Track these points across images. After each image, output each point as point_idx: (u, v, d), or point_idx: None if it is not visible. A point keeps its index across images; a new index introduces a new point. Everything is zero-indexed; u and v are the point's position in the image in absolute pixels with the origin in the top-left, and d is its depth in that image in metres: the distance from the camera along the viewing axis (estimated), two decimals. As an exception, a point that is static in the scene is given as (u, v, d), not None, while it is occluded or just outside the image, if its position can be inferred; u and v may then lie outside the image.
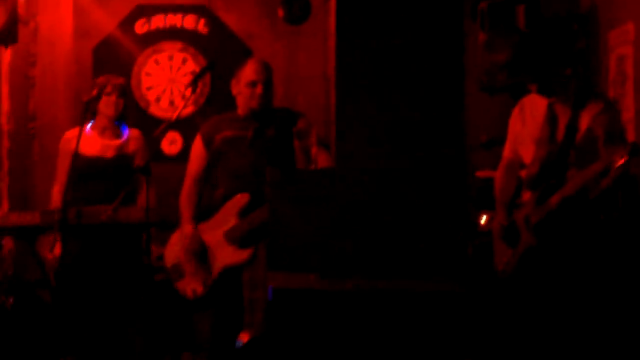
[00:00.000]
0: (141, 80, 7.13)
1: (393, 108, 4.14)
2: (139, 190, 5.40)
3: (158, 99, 7.14)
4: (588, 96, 4.44)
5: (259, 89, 5.12)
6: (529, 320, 4.47)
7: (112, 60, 7.01)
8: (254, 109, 5.14)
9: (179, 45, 7.14)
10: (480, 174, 5.78)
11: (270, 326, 3.70)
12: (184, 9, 7.17)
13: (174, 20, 7.17)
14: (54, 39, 7.00)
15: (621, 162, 3.98)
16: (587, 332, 4.39)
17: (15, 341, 5.61)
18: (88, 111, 5.43)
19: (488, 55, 6.05)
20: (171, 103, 7.11)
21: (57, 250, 5.26)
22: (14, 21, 6.06)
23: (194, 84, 5.23)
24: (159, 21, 7.17)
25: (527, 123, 4.62)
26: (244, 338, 4.70)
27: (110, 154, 5.46)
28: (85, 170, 5.34)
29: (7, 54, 6.49)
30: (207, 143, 5.24)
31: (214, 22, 7.15)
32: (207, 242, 5.16)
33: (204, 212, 5.25)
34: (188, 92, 5.14)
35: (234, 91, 5.23)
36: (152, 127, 6.04)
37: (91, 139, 5.42)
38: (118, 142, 5.50)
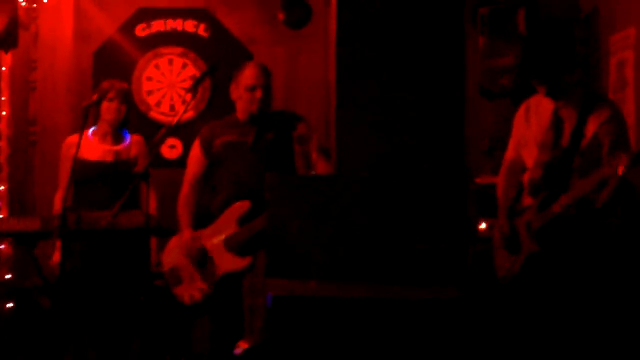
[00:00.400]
0: (141, 84, 7.13)
1: (393, 113, 4.12)
2: (139, 196, 5.39)
3: (158, 104, 7.13)
4: (595, 102, 4.42)
5: (258, 94, 5.11)
6: (530, 326, 4.46)
7: (112, 64, 7.00)
8: (253, 113, 5.13)
9: (179, 49, 7.13)
10: (481, 180, 5.77)
11: (270, 333, 3.68)
12: (184, 13, 7.17)
13: (175, 24, 7.17)
14: (55, 43, 6.99)
15: (622, 170, 3.96)
16: (588, 338, 4.38)
17: (14, 347, 5.61)
18: (88, 116, 5.42)
19: (488, 60, 6.05)
20: (171, 107, 7.11)
21: (57, 256, 5.26)
22: (14, 26, 6.06)
23: (194, 89, 5.22)
24: (160, 25, 7.16)
25: (531, 125, 4.61)
26: (243, 345, 4.69)
27: (110, 158, 5.46)
28: (86, 176, 5.34)
29: (8, 58, 6.49)
30: (206, 147, 5.23)
31: (215, 26, 7.14)
32: (206, 248, 5.15)
33: (203, 217, 5.24)
34: (188, 97, 5.13)
35: (233, 96, 5.22)
36: (152, 131, 6.04)
37: (92, 144, 5.42)
38: (119, 147, 5.50)
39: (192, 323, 5.36)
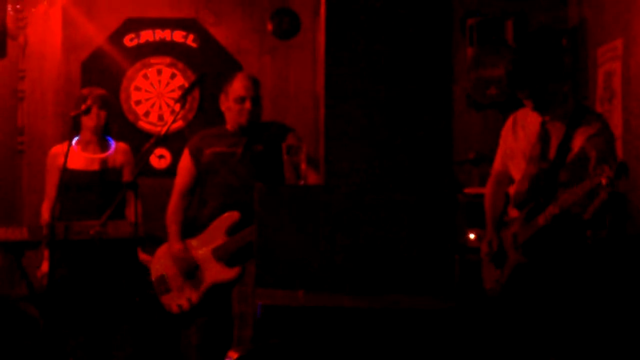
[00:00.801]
0: (130, 94, 7.12)
1: (382, 123, 4.13)
2: (127, 205, 5.39)
3: (147, 114, 7.12)
4: (583, 115, 4.42)
5: (247, 105, 5.11)
6: (518, 338, 4.46)
7: (101, 74, 6.99)
8: (242, 124, 5.13)
9: (168, 59, 7.13)
10: (469, 190, 5.78)
11: (259, 343, 3.68)
12: (173, 24, 7.17)
13: (163, 34, 7.17)
14: (43, 53, 6.98)
15: (605, 181, 3.97)
16: (576, 349, 4.39)
17: (1, 357, 5.59)
18: (77, 126, 5.43)
19: (477, 71, 6.07)
20: (160, 117, 7.10)
21: (45, 266, 5.25)
22: (2, 35, 6.05)
23: (183, 99, 5.22)
24: (149, 35, 7.16)
25: (519, 138, 4.61)
26: (232, 355, 4.67)
27: (94, 167, 5.45)
28: (71, 184, 5.33)
29: (-4, 68, 6.49)
30: (195, 157, 5.23)
31: (204, 36, 7.15)
32: (195, 257, 5.15)
33: (192, 227, 5.23)
34: (177, 107, 5.12)
35: (223, 106, 5.22)
36: (141, 141, 6.03)
37: (75, 153, 5.40)
38: (103, 155, 5.49)
39: (180, 333, 5.35)
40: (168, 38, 7.16)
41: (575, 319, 4.38)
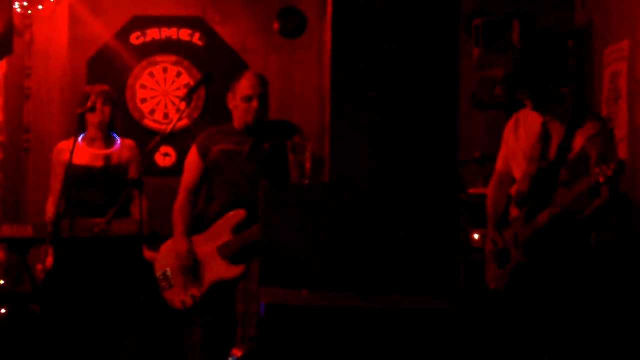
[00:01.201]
0: (136, 92, 7.13)
1: (387, 123, 4.13)
2: (132, 203, 5.39)
3: (152, 112, 7.13)
4: (584, 115, 4.43)
5: (254, 104, 5.11)
6: (519, 338, 4.47)
7: (107, 72, 7.00)
8: (249, 123, 5.13)
9: (174, 58, 7.14)
10: (473, 190, 5.78)
11: (263, 342, 3.69)
12: (179, 22, 7.17)
13: (170, 32, 7.17)
14: (49, 51, 6.99)
15: (604, 179, 3.98)
16: (578, 349, 4.39)
17: (6, 354, 5.59)
18: (82, 123, 5.45)
19: (482, 71, 6.07)
20: (166, 116, 7.11)
21: (49, 262, 5.26)
22: (9, 33, 6.05)
23: (188, 97, 5.22)
24: (155, 33, 7.17)
25: (520, 138, 4.62)
26: (236, 353, 4.68)
27: (99, 163, 5.46)
28: (76, 181, 5.34)
29: (2, 65, 6.49)
30: (203, 154, 5.23)
31: (210, 35, 7.15)
32: (199, 255, 5.16)
33: (198, 224, 5.24)
34: (183, 105, 5.12)
35: (230, 105, 5.22)
36: (146, 139, 6.03)
37: (81, 150, 5.41)
38: (108, 151, 5.50)
39: (183, 331, 5.35)
40: (174, 36, 7.17)
41: (576, 320, 4.38)
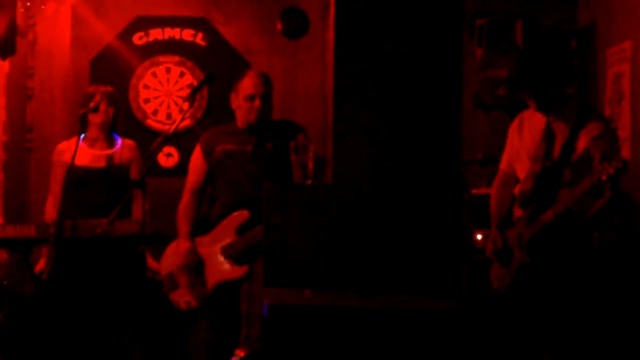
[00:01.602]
0: (139, 92, 7.14)
1: (390, 123, 4.13)
2: (135, 203, 5.39)
3: (155, 112, 7.14)
4: (588, 116, 4.43)
5: (257, 103, 5.10)
6: (522, 338, 4.46)
7: (110, 72, 7.01)
8: (251, 122, 5.13)
9: (176, 58, 7.15)
10: (476, 191, 5.78)
11: (267, 342, 3.69)
12: (182, 22, 7.18)
13: (173, 32, 7.18)
14: (52, 51, 7.00)
15: (606, 177, 3.98)
16: (581, 349, 4.39)
17: (8, 354, 5.59)
18: (85, 123, 5.46)
19: (486, 72, 6.07)
20: (168, 116, 7.12)
21: (42, 264, 5.26)
22: (12, 33, 6.05)
23: (191, 97, 5.21)
24: (158, 34, 7.17)
25: (524, 138, 4.62)
26: (240, 354, 4.68)
27: (101, 164, 5.47)
28: (77, 182, 5.34)
29: (5, 65, 6.49)
30: (207, 154, 5.23)
31: (213, 35, 7.16)
32: (203, 255, 5.16)
33: (202, 224, 5.24)
34: (185, 105, 5.12)
35: (233, 105, 5.22)
36: (149, 139, 6.04)
37: (82, 150, 5.41)
38: (109, 152, 5.51)
39: (188, 330, 5.35)
40: (177, 37, 7.17)
41: (578, 320, 4.38)
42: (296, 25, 7.15)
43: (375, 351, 3.58)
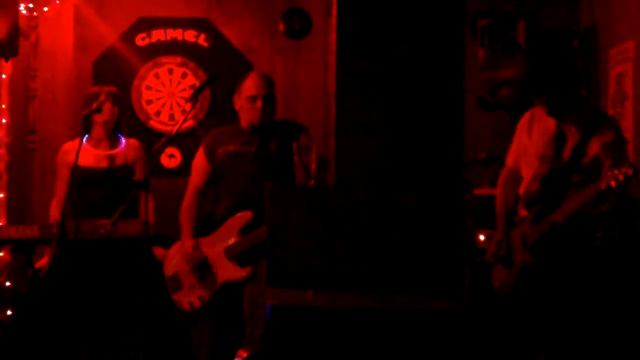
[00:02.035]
0: (141, 93, 7.14)
1: (392, 124, 4.13)
2: (138, 204, 5.39)
3: (158, 113, 7.14)
4: (601, 121, 4.40)
5: (259, 104, 5.11)
6: (526, 338, 4.46)
7: (112, 73, 7.01)
8: (254, 123, 5.13)
9: (179, 59, 7.15)
10: (478, 191, 5.78)
11: (269, 343, 3.69)
12: (184, 23, 7.19)
13: (175, 33, 7.19)
14: (55, 52, 7.00)
15: (615, 183, 3.97)
16: (585, 350, 4.39)
17: (12, 355, 5.60)
18: (88, 124, 5.46)
19: (488, 72, 6.06)
20: (171, 117, 7.12)
21: (43, 263, 5.27)
22: (15, 34, 6.05)
23: (194, 98, 5.21)
24: (160, 35, 7.18)
25: (533, 137, 4.57)
26: (242, 354, 4.67)
27: (104, 164, 5.47)
28: (81, 182, 5.35)
29: (8, 66, 6.49)
30: (210, 155, 5.23)
31: (215, 36, 7.16)
32: (207, 256, 5.16)
33: (205, 225, 5.24)
34: (188, 106, 5.13)
35: (236, 105, 5.22)
36: (151, 140, 6.05)
37: (85, 151, 5.41)
38: (113, 152, 5.51)
39: (191, 332, 5.35)
40: (179, 37, 7.18)
41: (580, 320, 4.37)
42: (298, 25, 7.15)
43: (378, 352, 3.59)
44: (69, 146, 5.54)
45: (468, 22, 6.41)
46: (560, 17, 6.65)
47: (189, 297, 5.20)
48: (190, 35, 7.17)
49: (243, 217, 5.06)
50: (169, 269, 5.29)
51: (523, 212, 4.55)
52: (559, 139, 4.44)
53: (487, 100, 6.15)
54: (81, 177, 5.35)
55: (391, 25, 4.13)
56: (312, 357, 3.61)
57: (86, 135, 5.47)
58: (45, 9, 6.86)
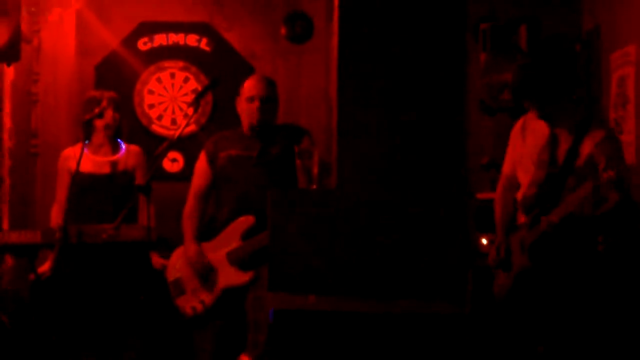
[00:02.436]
0: (143, 98, 7.14)
1: (395, 128, 4.13)
2: (140, 209, 5.40)
3: (160, 117, 7.14)
4: (590, 123, 4.42)
5: (256, 104, 5.11)
6: (524, 343, 4.46)
7: (114, 77, 7.02)
8: (253, 124, 5.14)
9: (181, 63, 7.15)
10: (480, 195, 5.78)
11: (272, 348, 3.69)
12: (186, 27, 7.19)
13: (177, 38, 7.19)
14: (57, 57, 7.00)
15: (606, 179, 3.97)
16: (583, 354, 4.39)
17: (14, 358, 5.60)
18: (90, 129, 5.46)
19: (490, 76, 6.07)
20: (173, 121, 7.12)
21: (45, 268, 5.27)
22: (17, 39, 6.05)
23: (196, 102, 5.22)
24: (162, 39, 7.18)
25: (527, 142, 4.60)
26: (245, 359, 4.69)
27: (105, 170, 5.47)
28: (81, 188, 5.35)
29: (10, 71, 6.49)
30: (212, 160, 5.24)
31: (217, 40, 7.16)
32: (209, 260, 5.16)
33: (208, 230, 5.25)
34: (190, 110, 5.13)
35: (238, 109, 5.23)
36: (153, 145, 6.04)
37: (86, 156, 5.41)
38: (114, 158, 5.51)
39: (193, 337, 5.35)
40: (181, 42, 7.18)
41: (580, 324, 4.37)
42: (300, 29, 7.15)
43: (380, 356, 3.58)
44: (70, 152, 5.54)
45: (470, 27, 6.41)
46: (562, 21, 6.65)
47: (192, 302, 5.20)
48: (192, 40, 7.17)
49: (245, 221, 5.06)
50: (172, 274, 5.29)
51: (522, 219, 4.56)
52: (552, 143, 4.45)
53: (489, 104, 6.15)
54: (82, 183, 5.35)
55: (393, 30, 4.12)
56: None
57: (87, 141, 5.46)
58: (48, 13, 6.86)
